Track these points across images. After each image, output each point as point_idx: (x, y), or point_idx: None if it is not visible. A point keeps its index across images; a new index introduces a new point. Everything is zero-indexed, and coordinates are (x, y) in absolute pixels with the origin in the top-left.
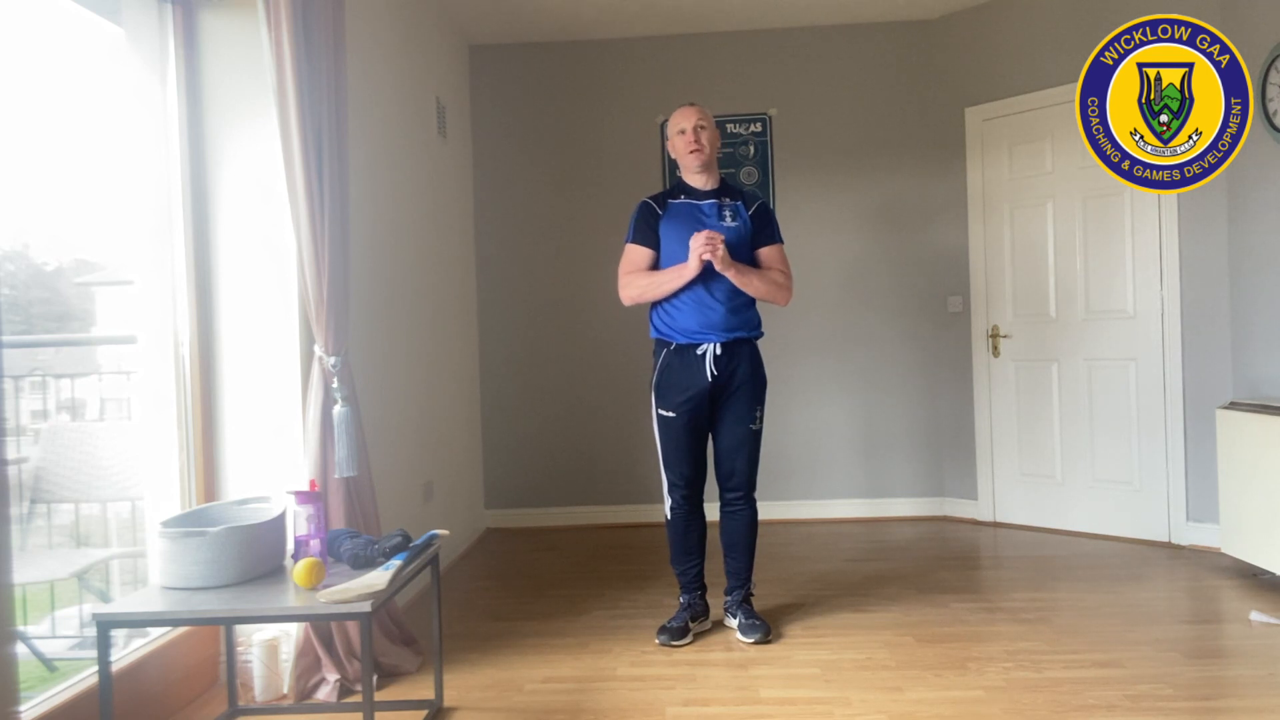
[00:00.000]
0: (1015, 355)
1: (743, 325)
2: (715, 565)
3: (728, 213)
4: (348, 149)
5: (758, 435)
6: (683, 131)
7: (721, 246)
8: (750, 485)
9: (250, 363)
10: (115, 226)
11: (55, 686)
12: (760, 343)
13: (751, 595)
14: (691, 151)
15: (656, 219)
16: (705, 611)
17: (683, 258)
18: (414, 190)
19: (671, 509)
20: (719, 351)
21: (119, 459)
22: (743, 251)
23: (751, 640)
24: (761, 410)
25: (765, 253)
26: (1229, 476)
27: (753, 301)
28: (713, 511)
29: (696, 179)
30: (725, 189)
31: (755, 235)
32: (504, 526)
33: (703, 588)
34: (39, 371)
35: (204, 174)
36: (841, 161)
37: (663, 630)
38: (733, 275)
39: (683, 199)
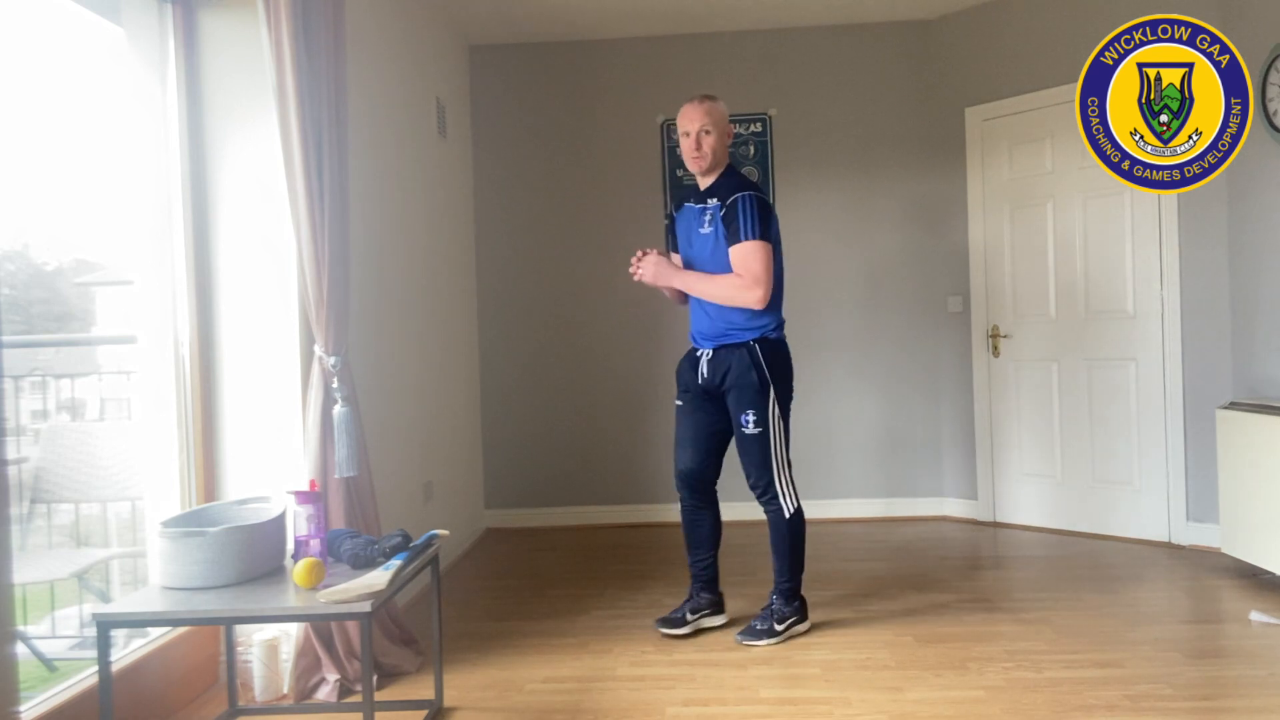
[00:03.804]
0: (1015, 355)
1: (730, 330)
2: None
3: (706, 218)
4: (348, 149)
5: (754, 439)
6: (686, 134)
7: (648, 267)
8: (765, 486)
9: (250, 363)
10: (115, 226)
11: (55, 686)
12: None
13: (784, 598)
14: (692, 158)
15: (673, 224)
16: (711, 606)
17: (690, 262)
18: (414, 190)
19: (680, 501)
20: (710, 355)
21: (119, 459)
22: (724, 257)
23: (741, 640)
24: (758, 414)
25: (730, 254)
26: (1229, 476)
27: (741, 308)
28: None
29: (700, 181)
30: (720, 188)
31: (726, 236)
32: (504, 526)
33: (708, 582)
34: (39, 371)
35: (204, 174)
36: (841, 161)
37: (661, 619)
38: (678, 285)
39: (692, 202)
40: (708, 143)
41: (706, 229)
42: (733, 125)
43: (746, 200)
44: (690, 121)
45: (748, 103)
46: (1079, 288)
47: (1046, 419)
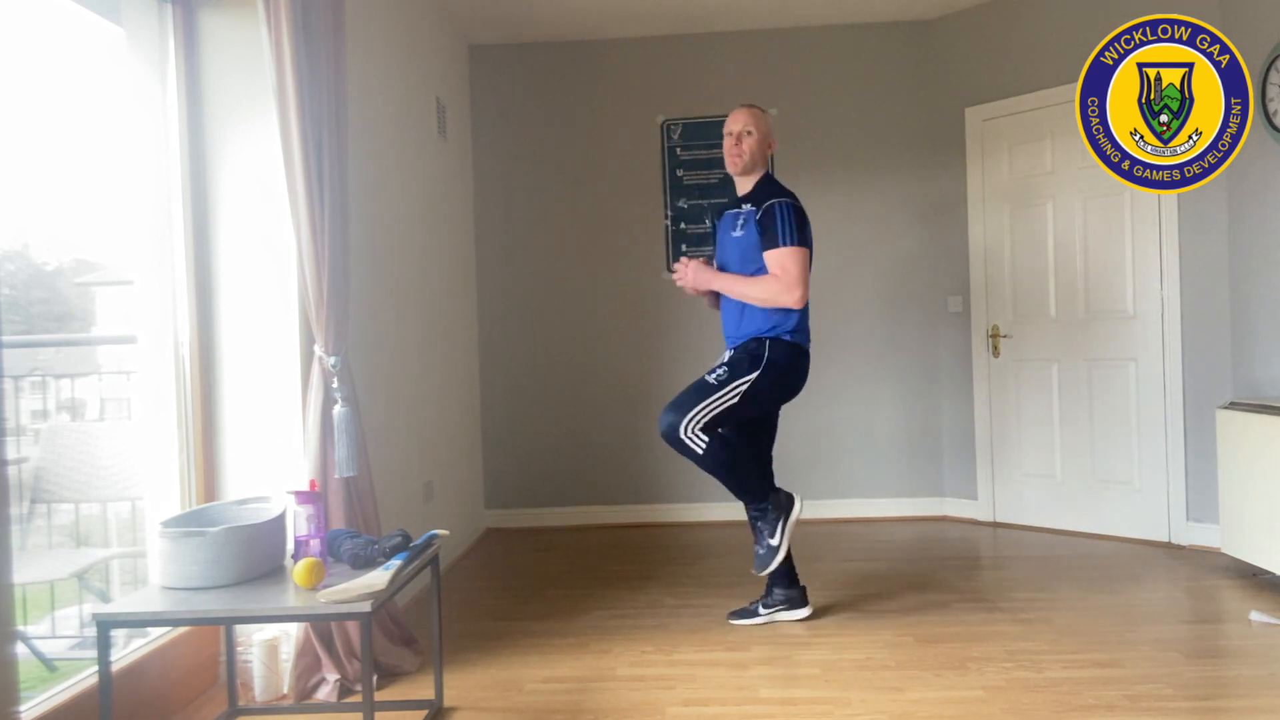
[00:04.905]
0: (1015, 355)
1: (751, 330)
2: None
3: (740, 222)
4: (348, 149)
5: (704, 383)
6: (729, 134)
7: (690, 272)
8: (670, 424)
9: (250, 363)
10: (115, 226)
11: (55, 686)
12: None
13: (760, 514)
14: (731, 156)
15: (716, 228)
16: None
17: (722, 265)
18: (414, 190)
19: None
20: (732, 353)
21: (119, 459)
22: (753, 260)
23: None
24: (728, 373)
25: (765, 259)
26: (1229, 476)
27: (758, 309)
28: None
29: (738, 185)
30: (757, 195)
31: (761, 241)
32: (504, 526)
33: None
34: (39, 371)
35: (204, 174)
36: (841, 161)
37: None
38: (718, 288)
39: (730, 209)
40: (747, 143)
41: (738, 232)
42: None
43: (784, 207)
44: (735, 122)
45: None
46: (1079, 288)
47: (1046, 419)
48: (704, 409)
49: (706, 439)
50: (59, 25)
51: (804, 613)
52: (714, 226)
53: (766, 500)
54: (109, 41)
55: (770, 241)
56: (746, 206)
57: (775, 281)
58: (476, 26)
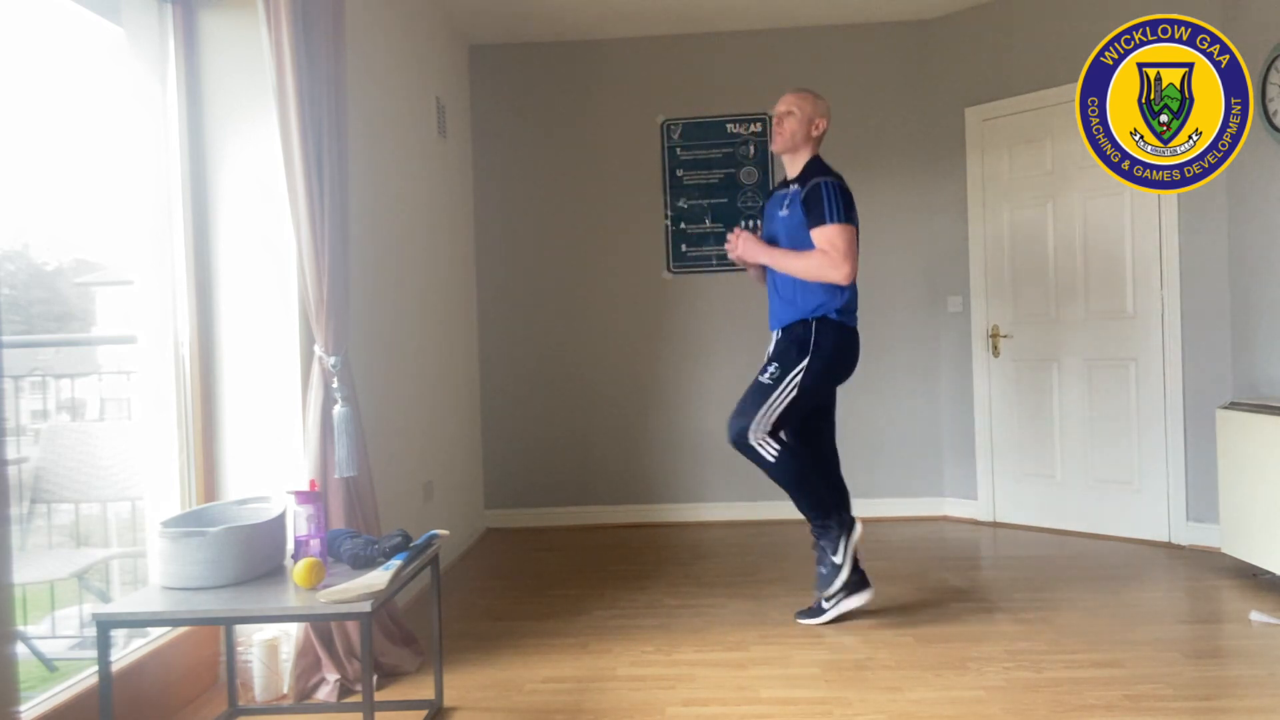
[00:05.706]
0: (1015, 355)
1: (794, 312)
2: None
3: (786, 202)
4: (348, 149)
5: (760, 386)
6: (774, 115)
7: (740, 244)
8: (739, 432)
9: (250, 363)
10: (115, 226)
11: (55, 686)
12: None
13: (820, 534)
14: (774, 136)
15: (764, 208)
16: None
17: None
18: (414, 190)
19: None
20: (779, 337)
21: (119, 459)
22: (801, 239)
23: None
24: (780, 370)
25: (812, 236)
26: (1229, 476)
27: (807, 288)
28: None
29: (785, 164)
30: (803, 176)
31: (808, 220)
32: (504, 526)
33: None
34: (39, 371)
35: (204, 174)
36: (841, 161)
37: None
38: (766, 261)
39: (779, 189)
40: (788, 123)
41: (784, 211)
42: (732, 125)
43: (829, 186)
44: (780, 104)
45: (748, 103)
46: (1079, 288)
47: (1046, 419)
48: (767, 410)
49: (778, 448)
50: (59, 25)
51: (867, 595)
52: (762, 207)
53: (831, 517)
54: (109, 41)
55: (817, 219)
56: (793, 187)
57: (824, 256)
58: (476, 26)
